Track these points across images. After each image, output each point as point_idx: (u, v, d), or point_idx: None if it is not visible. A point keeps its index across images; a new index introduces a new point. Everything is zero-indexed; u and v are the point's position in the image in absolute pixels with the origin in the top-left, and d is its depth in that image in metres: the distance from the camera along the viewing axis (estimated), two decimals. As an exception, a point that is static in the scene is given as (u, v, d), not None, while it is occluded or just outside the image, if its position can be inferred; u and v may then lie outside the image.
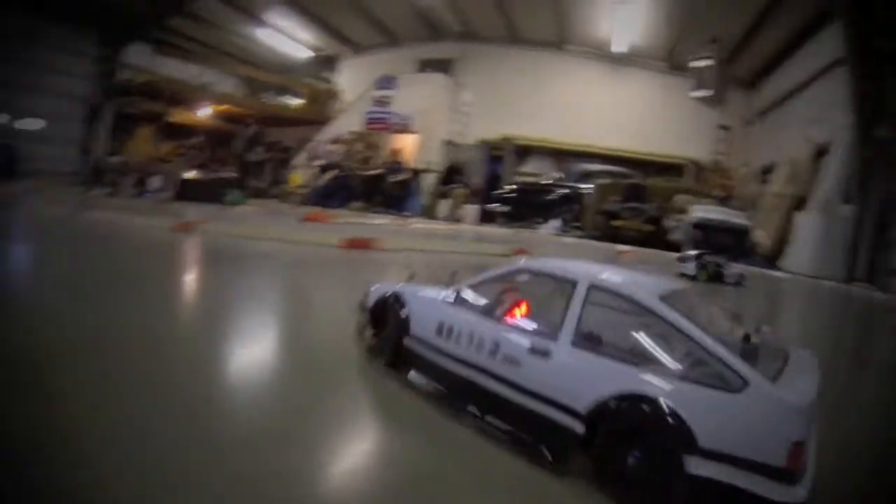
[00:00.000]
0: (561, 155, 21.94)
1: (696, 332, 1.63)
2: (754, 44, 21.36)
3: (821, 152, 17.17)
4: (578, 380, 1.69)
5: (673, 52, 23.52)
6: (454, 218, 17.80)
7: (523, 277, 2.22)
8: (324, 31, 27.08)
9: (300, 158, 26.50)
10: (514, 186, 19.17)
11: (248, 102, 27.66)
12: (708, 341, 1.60)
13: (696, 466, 1.47)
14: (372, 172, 19.16)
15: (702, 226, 17.27)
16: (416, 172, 19.11)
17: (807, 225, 15.51)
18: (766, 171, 21.23)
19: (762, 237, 18.72)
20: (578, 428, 1.66)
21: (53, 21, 20.12)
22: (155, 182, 16.57)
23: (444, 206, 17.58)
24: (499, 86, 24.96)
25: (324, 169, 19.97)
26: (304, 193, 19.45)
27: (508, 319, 2.05)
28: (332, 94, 28.20)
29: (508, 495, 1.61)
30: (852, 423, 2.88)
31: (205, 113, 25.32)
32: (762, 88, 24.09)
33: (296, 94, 29.08)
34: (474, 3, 22.79)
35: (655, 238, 17.69)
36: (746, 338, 1.66)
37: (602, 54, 24.62)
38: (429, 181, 18.63)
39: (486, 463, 1.75)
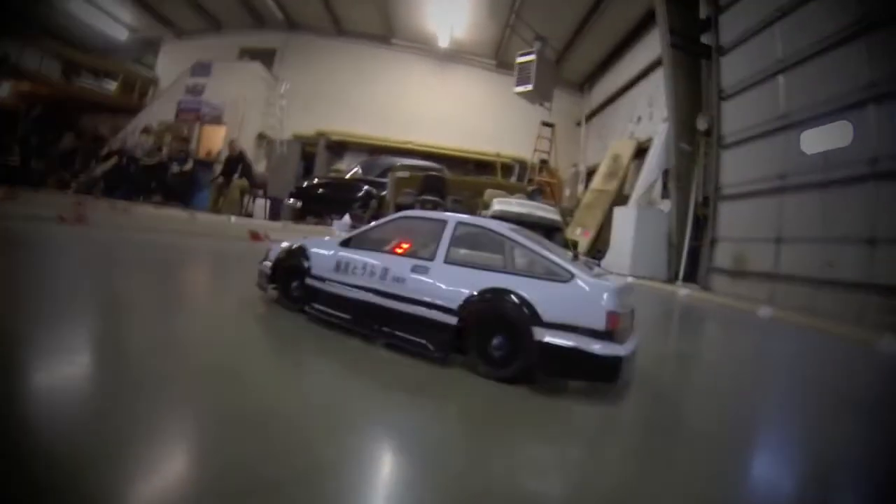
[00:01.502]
0: (379, 151, 20.96)
1: (535, 247, 2.22)
2: (582, 46, 21.58)
3: (643, 149, 17.28)
4: (451, 285, 2.14)
5: (500, 49, 23.32)
6: (245, 213, 16.25)
7: (403, 223, 2.59)
8: (142, 8, 24.69)
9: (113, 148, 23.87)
10: (315, 182, 17.85)
11: (52, 82, 24.78)
12: (544, 251, 2.19)
13: (542, 335, 1.99)
14: (151, 162, 17.04)
15: (501, 219, 16.32)
16: (202, 163, 17.27)
17: (625, 220, 14.61)
18: (593, 172, 21.40)
19: (580, 235, 18.50)
20: (453, 321, 2.11)
21: None
22: None
23: (230, 201, 15.88)
24: (320, 79, 23.92)
25: (106, 156, 17.64)
26: (79, 182, 17.08)
27: (394, 251, 2.46)
28: (148, 81, 25.78)
29: (402, 384, 2.03)
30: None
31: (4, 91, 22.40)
32: (592, 92, 24.45)
33: (114, 79, 26.49)
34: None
35: None
36: (575, 256, 2.44)
37: (429, 49, 24.14)
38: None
39: (384, 362, 2.19)
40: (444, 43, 23.26)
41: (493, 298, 2.02)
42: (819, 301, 8.70)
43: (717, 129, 12.42)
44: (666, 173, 14.61)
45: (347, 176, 19.29)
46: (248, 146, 22.52)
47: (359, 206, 16.88)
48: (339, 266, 2.51)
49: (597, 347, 1.92)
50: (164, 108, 23.09)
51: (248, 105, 22.04)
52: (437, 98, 24.32)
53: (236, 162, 16.28)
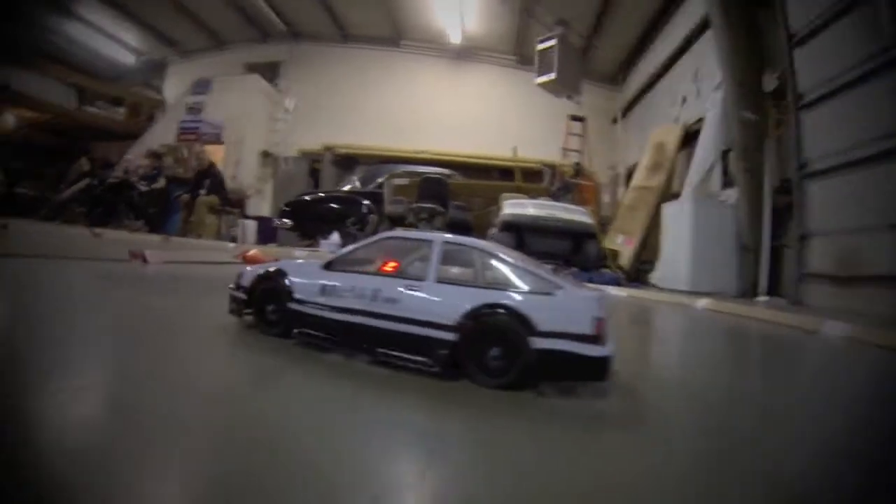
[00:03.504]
0: (391, 163, 18.60)
1: (522, 263, 2.29)
2: (610, 27, 19.03)
3: (691, 134, 14.28)
4: (447, 303, 2.14)
5: (519, 41, 20.89)
6: (229, 237, 14.15)
7: (387, 243, 2.63)
8: (145, 31, 23.90)
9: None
10: (306, 198, 15.63)
11: (60, 110, 24.13)
12: (531, 267, 2.27)
13: (538, 343, 2.04)
14: (115, 181, 15.24)
15: (514, 226, 11.65)
16: (177, 182, 15.35)
17: (678, 220, 11.33)
18: (633, 173, 18.39)
19: (621, 244, 15.39)
20: (450, 337, 2.11)
21: None
22: None
23: (198, 221, 13.70)
24: (327, 90, 22.22)
25: (77, 179, 15.99)
26: (48, 207, 15.44)
27: (382, 272, 2.42)
28: (155, 104, 24.73)
29: (404, 401, 1.92)
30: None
31: (6, 120, 21.87)
32: (627, 82, 21.52)
33: (122, 105, 25.74)
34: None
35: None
36: (555, 269, 2.49)
37: (441, 48, 21.99)
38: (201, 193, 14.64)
39: (383, 381, 2.10)
40: (455, 38, 21.11)
41: (490, 313, 2.06)
42: None
43: (791, 86, 9.26)
44: (726, 154, 11.44)
45: (345, 189, 17.05)
46: (251, 165, 20.90)
47: (354, 222, 14.43)
48: (325, 289, 2.42)
49: (587, 350, 2.02)
50: (166, 129, 21.82)
51: (250, 121, 20.47)
52: (453, 102, 22.11)
53: (204, 176, 14.13)
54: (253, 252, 5.69)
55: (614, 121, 22.12)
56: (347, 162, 20.44)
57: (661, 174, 15.53)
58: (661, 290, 11.27)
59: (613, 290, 9.94)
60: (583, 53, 19.41)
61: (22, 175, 16.92)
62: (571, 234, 11.78)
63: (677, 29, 16.16)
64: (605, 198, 20.33)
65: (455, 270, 2.32)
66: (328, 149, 20.81)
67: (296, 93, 21.69)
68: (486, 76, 22.37)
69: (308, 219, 15.26)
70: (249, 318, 2.82)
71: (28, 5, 21.55)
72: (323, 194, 17.20)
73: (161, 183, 15.10)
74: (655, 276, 12.78)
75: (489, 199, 15.21)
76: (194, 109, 21.41)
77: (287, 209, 15.61)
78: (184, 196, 14.33)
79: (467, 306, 2.11)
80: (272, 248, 11.21)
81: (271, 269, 2.62)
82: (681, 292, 10.18)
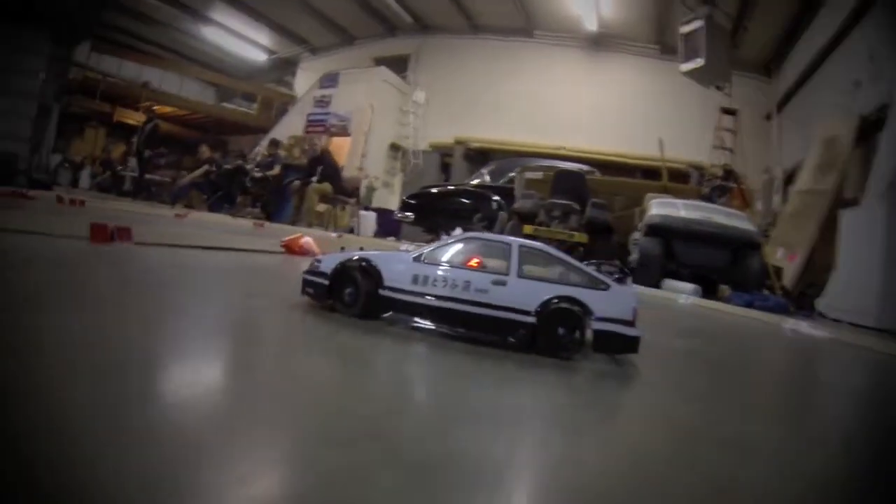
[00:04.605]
0: (525, 158, 17.71)
1: (583, 266, 2.64)
2: (763, 5, 16.88)
3: (869, 126, 11.81)
4: (528, 294, 2.49)
5: (660, 28, 19.18)
6: (347, 228, 13.99)
7: (469, 244, 2.79)
8: (276, 31, 24.96)
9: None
10: (430, 191, 15.14)
11: (196, 105, 25.98)
12: (590, 270, 2.60)
13: (594, 324, 2.42)
14: (228, 167, 15.48)
15: (663, 230, 9.76)
16: (294, 169, 15.24)
17: (861, 231, 9.07)
18: (792, 177, 16.14)
19: (782, 258, 13.07)
20: (531, 320, 2.45)
21: (5, 17, 20.00)
22: None
23: (307, 209, 13.45)
24: (457, 83, 21.76)
25: (198, 165, 16.48)
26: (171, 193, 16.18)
27: (469, 266, 2.67)
28: (285, 99, 25.85)
29: (494, 366, 2.20)
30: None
31: (144, 115, 23.89)
32: (782, 70, 19.02)
33: (254, 101, 27.31)
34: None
35: (593, 255, 11.37)
36: (599, 269, 2.73)
37: (576, 37, 20.70)
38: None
39: (475, 354, 2.31)
40: (591, 26, 19.70)
41: (560, 302, 2.46)
42: None
43: None
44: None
45: (473, 183, 16.35)
46: (379, 157, 20.98)
47: (481, 218, 13.50)
48: (418, 279, 2.67)
49: (627, 331, 2.44)
50: (294, 122, 22.55)
51: (377, 113, 20.36)
52: (589, 95, 20.78)
53: (317, 162, 13.78)
54: (303, 240, 4.91)
55: (768, 117, 19.63)
56: (480, 157, 19.83)
57: (833, 175, 13.12)
58: (837, 323, 8.36)
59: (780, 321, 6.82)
60: (731, 36, 17.27)
61: (153, 164, 17.73)
62: (730, 244, 9.64)
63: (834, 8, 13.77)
64: (758, 204, 18.03)
65: (530, 268, 2.70)
66: (460, 143, 20.31)
67: (425, 85, 21.48)
68: (625, 67, 20.83)
69: (432, 213, 14.71)
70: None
71: (164, 11, 23.31)
72: (451, 187, 16.67)
73: (276, 170, 15.09)
74: (823, 303, 9.70)
75: (632, 200, 13.71)
76: (322, 102, 21.85)
77: (411, 202, 15.16)
78: (295, 183, 13.83)
79: (544, 296, 2.51)
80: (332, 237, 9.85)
81: (353, 258, 2.80)
82: (866, 329, 7.45)
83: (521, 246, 2.78)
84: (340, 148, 21.22)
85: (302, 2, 21.73)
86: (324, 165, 13.43)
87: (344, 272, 2.85)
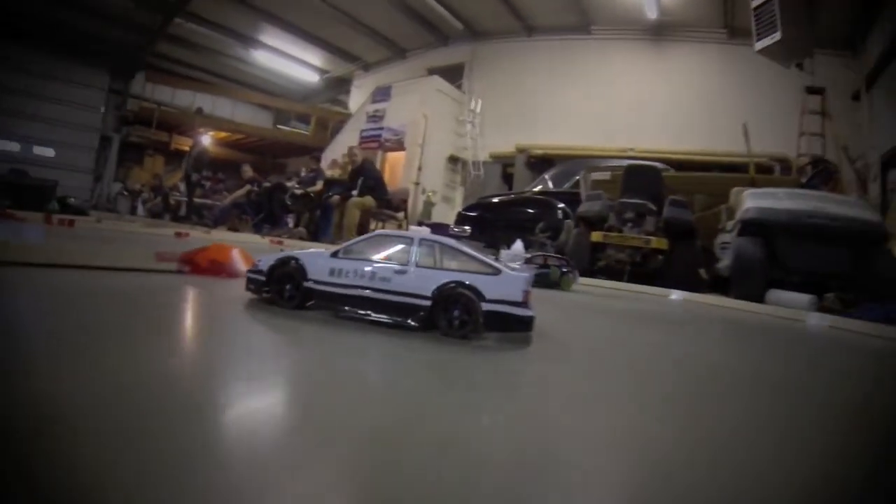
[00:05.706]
0: (590, 160, 16.83)
1: (476, 254, 2.89)
2: None
3: None
4: (426, 281, 2.78)
5: (727, 10, 17.88)
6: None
7: (379, 240, 3.17)
8: (327, 50, 25.24)
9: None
10: (488, 202, 14.50)
11: (249, 128, 26.61)
12: (482, 257, 2.86)
13: (486, 306, 2.65)
14: (268, 184, 14.79)
15: (763, 227, 8.11)
16: (337, 184, 14.27)
17: None
18: (890, 162, 14.59)
19: None
20: (427, 303, 2.74)
21: (67, 56, 22.03)
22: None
23: (348, 225, 12.53)
24: (514, 87, 21.08)
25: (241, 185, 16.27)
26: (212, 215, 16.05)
27: (376, 259, 2.99)
28: (340, 117, 26.05)
29: (391, 346, 2.44)
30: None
31: (206, 140, 24.64)
32: (869, 41, 17.22)
33: (308, 122, 27.73)
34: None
35: (671, 266, 9.48)
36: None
37: (638, 29, 19.68)
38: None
39: (374, 334, 2.59)
40: (651, 13, 18.57)
41: (455, 286, 2.72)
42: None
43: None
44: None
45: (534, 190, 15.57)
46: (437, 170, 20.60)
47: (544, 228, 12.35)
48: (333, 272, 3.07)
49: (518, 311, 2.69)
50: (348, 140, 22.52)
51: (432, 124, 19.96)
52: (655, 91, 19.63)
53: (358, 174, 12.94)
54: (231, 252, 4.14)
55: (855, 97, 17.85)
56: (543, 164, 19.03)
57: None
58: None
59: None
60: (809, 3, 15.69)
61: (201, 188, 17.81)
62: (850, 241, 7.78)
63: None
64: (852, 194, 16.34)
65: (429, 259, 2.98)
66: (521, 151, 19.62)
67: (481, 93, 21.01)
68: (692, 56, 19.56)
69: (491, 225, 13.91)
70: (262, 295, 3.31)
71: (214, 39, 24.03)
72: (512, 196, 15.97)
73: (318, 185, 14.47)
74: None
75: (715, 198, 12.41)
76: (375, 117, 21.75)
77: (468, 214, 14.42)
78: (334, 197, 12.68)
79: (440, 282, 2.79)
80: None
81: (284, 257, 3.21)
82: None
83: (422, 240, 3.16)
84: (396, 162, 21.04)
85: (351, 19, 21.80)
86: (364, 177, 12.32)
87: (277, 269, 3.27)
